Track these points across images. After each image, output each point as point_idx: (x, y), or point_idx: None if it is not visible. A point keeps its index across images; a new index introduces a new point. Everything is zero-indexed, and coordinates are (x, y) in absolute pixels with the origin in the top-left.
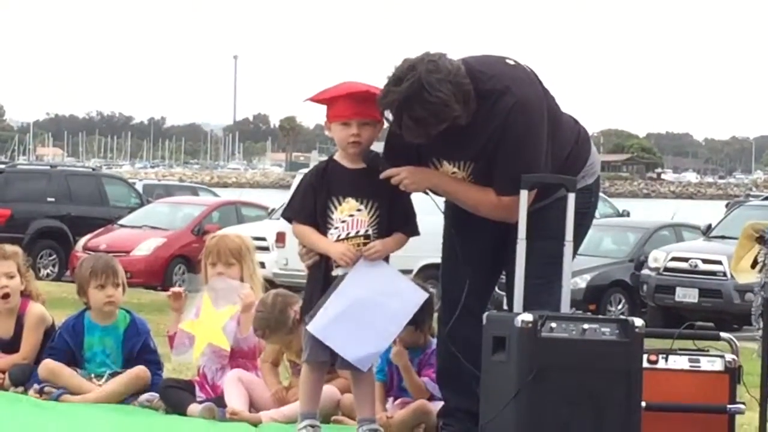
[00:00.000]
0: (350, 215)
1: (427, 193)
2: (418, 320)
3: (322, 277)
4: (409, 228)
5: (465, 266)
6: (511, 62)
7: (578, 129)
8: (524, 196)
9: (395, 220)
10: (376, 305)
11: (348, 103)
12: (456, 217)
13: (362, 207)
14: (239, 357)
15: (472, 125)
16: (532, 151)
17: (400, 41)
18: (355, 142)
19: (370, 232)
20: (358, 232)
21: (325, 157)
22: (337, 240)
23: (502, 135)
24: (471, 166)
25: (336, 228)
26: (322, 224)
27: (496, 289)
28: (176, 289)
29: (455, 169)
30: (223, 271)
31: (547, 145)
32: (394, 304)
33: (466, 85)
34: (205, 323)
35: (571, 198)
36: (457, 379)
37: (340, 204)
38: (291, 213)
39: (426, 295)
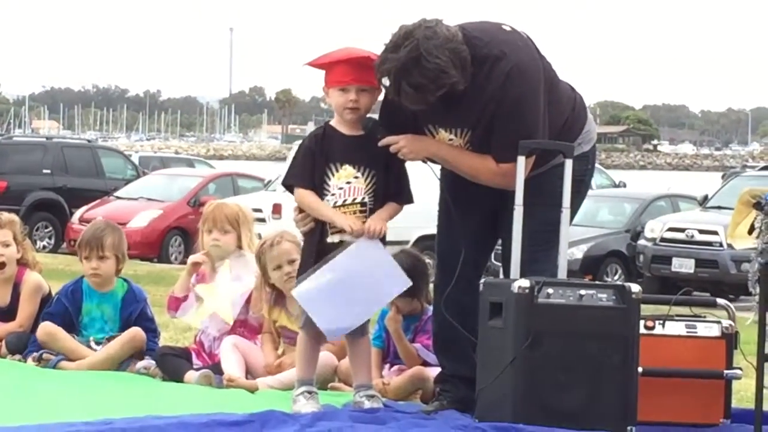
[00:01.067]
0: (347, 182)
1: (425, 162)
2: (415, 288)
3: (316, 243)
4: (404, 197)
5: (461, 234)
6: (508, 28)
7: (574, 96)
8: (521, 162)
9: (390, 188)
10: (361, 285)
11: (347, 68)
12: (452, 186)
13: (359, 174)
14: (240, 327)
15: (469, 91)
16: (530, 116)
17: (397, 9)
18: (354, 108)
19: (366, 199)
20: (354, 199)
21: None
22: (333, 206)
23: (500, 101)
24: (468, 134)
25: (333, 195)
26: (318, 191)
27: (492, 260)
28: (197, 259)
29: (452, 137)
30: (219, 238)
31: (544, 111)
32: (377, 288)
33: (463, 51)
34: (217, 291)
35: (569, 164)
36: (453, 345)
37: (337, 170)
38: (292, 179)
39: (409, 284)
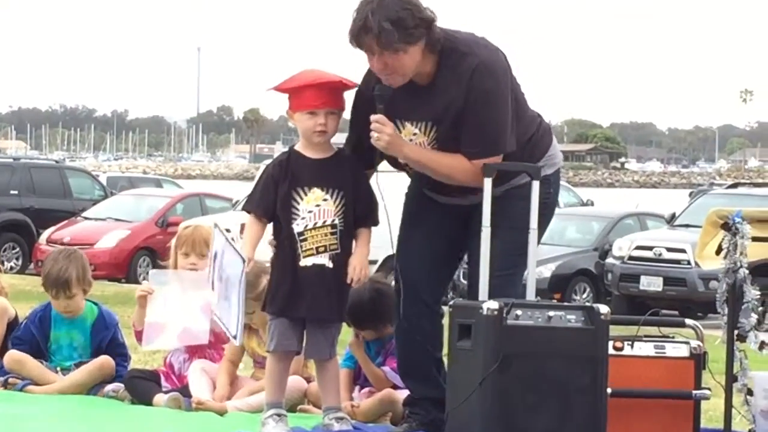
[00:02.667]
0: (317, 205)
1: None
2: (379, 318)
3: (290, 268)
4: (372, 219)
5: (421, 256)
6: (479, 36)
7: (540, 119)
8: (488, 184)
9: (359, 209)
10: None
11: (315, 92)
12: (412, 207)
13: (328, 197)
14: (206, 348)
15: (435, 83)
16: (499, 113)
17: None
18: (322, 131)
19: (336, 221)
20: (325, 221)
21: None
22: (304, 230)
23: (467, 95)
24: (433, 130)
25: (303, 218)
26: (286, 215)
27: (460, 278)
28: (144, 289)
29: (416, 131)
30: (196, 262)
31: (512, 114)
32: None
33: (434, 17)
34: (176, 310)
35: (536, 186)
36: (418, 368)
37: (305, 194)
38: (249, 206)
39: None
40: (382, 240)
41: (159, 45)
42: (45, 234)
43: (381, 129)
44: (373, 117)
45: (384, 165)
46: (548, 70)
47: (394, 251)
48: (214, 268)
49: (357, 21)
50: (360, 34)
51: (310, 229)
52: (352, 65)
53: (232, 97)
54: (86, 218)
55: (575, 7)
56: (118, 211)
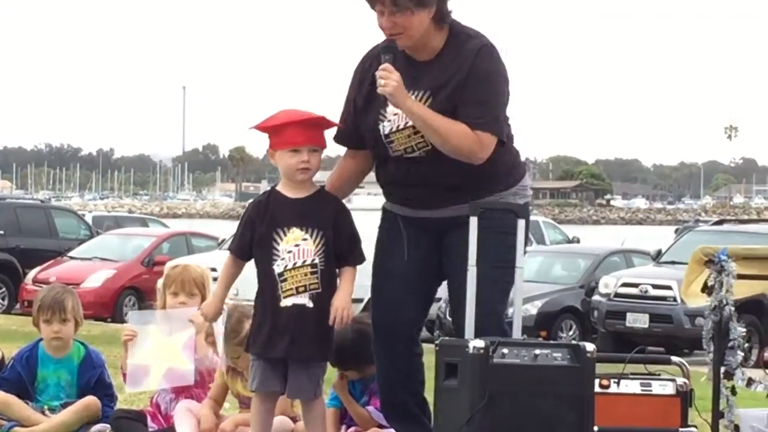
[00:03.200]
0: (296, 245)
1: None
2: (363, 359)
3: (271, 308)
4: (357, 257)
5: (393, 294)
6: None
7: (517, 150)
8: (474, 223)
9: (341, 247)
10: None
11: (298, 129)
12: (384, 238)
13: (307, 236)
14: (192, 387)
15: (440, 58)
16: (501, 93)
17: (347, 69)
18: (305, 168)
19: (317, 260)
20: (305, 261)
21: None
22: (284, 270)
23: (470, 71)
24: (429, 101)
25: (282, 259)
26: (266, 256)
27: (447, 316)
28: (128, 333)
29: (412, 96)
30: (186, 302)
31: (506, 103)
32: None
33: None
34: (159, 351)
35: (521, 224)
36: (400, 407)
37: (285, 234)
38: (230, 245)
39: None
40: (368, 278)
41: (144, 84)
42: (31, 274)
43: (388, 76)
44: (381, 66)
45: (362, 202)
46: (533, 106)
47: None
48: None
49: None
50: None
51: (290, 269)
52: (335, 104)
53: (217, 135)
54: (72, 258)
55: (559, 44)
56: (104, 250)
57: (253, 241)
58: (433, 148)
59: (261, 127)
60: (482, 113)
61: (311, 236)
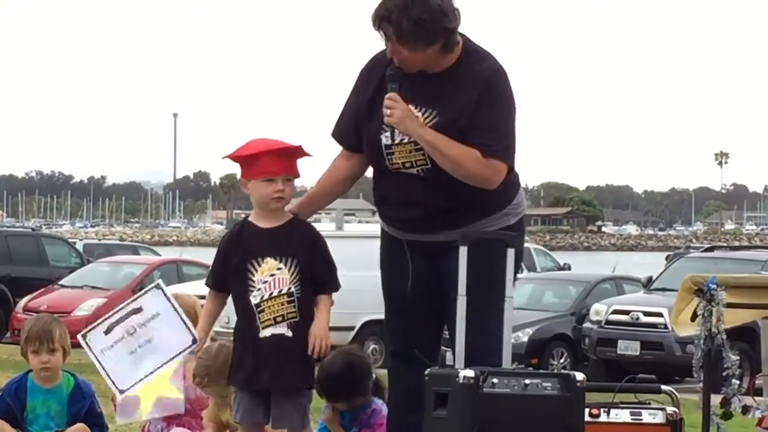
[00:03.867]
0: (271, 275)
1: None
2: (354, 390)
3: (251, 340)
4: (332, 284)
5: (407, 322)
6: None
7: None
8: (463, 252)
9: (317, 274)
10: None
11: (273, 159)
12: (391, 273)
13: (282, 265)
14: (183, 415)
15: (450, 75)
16: (511, 118)
17: (336, 95)
18: (280, 197)
19: (293, 289)
20: (281, 291)
21: None
22: (261, 301)
23: (485, 90)
24: (435, 119)
25: (258, 290)
26: (242, 288)
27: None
28: None
29: (418, 114)
30: None
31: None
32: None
33: (459, 17)
34: (149, 381)
35: (511, 254)
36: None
37: (259, 265)
38: (206, 281)
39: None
40: (360, 305)
41: (135, 111)
42: (22, 302)
43: (393, 105)
44: (387, 96)
45: (355, 229)
46: (524, 133)
47: (370, 318)
48: (128, 318)
49: (382, 9)
50: (382, 22)
51: (266, 300)
52: (321, 132)
53: (208, 162)
54: (63, 286)
55: (550, 70)
56: (94, 278)
57: (228, 274)
58: (433, 168)
59: (234, 157)
60: (495, 140)
61: (285, 265)
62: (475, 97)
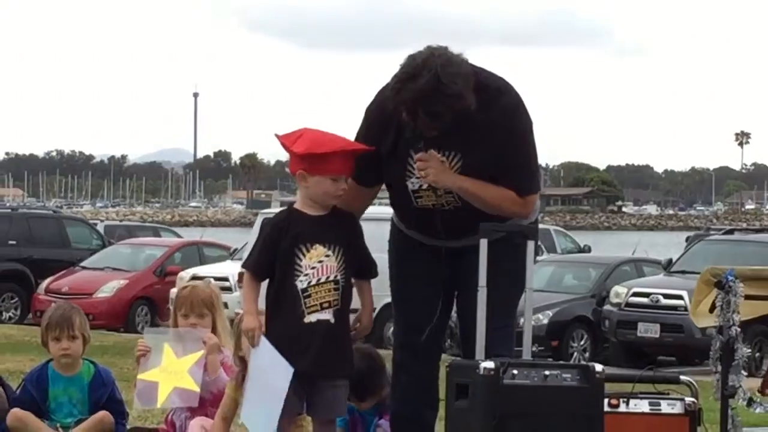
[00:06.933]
0: (319, 261)
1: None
2: (371, 387)
3: (293, 324)
4: (373, 272)
5: (418, 309)
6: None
7: None
8: (483, 244)
9: (361, 262)
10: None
11: (344, 159)
12: (400, 260)
13: (330, 253)
14: (208, 405)
15: (469, 116)
16: (535, 151)
17: (363, 73)
18: (341, 195)
19: (339, 277)
20: (328, 277)
21: (288, 195)
22: (308, 286)
23: (511, 131)
24: (460, 162)
25: (306, 275)
26: (288, 272)
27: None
28: (141, 348)
29: (443, 159)
30: (196, 323)
31: None
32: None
33: (472, 75)
34: (169, 370)
35: (531, 246)
36: (414, 421)
37: (308, 251)
38: (248, 264)
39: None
40: (379, 288)
41: (156, 91)
42: (43, 284)
43: (426, 165)
44: (417, 157)
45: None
46: (545, 113)
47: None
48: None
49: (397, 93)
50: (397, 105)
51: (314, 285)
52: (346, 114)
53: (229, 142)
54: (84, 268)
55: (570, 50)
56: (116, 260)
57: (275, 259)
58: (463, 204)
59: (307, 153)
60: (527, 178)
61: (333, 253)
62: (500, 139)
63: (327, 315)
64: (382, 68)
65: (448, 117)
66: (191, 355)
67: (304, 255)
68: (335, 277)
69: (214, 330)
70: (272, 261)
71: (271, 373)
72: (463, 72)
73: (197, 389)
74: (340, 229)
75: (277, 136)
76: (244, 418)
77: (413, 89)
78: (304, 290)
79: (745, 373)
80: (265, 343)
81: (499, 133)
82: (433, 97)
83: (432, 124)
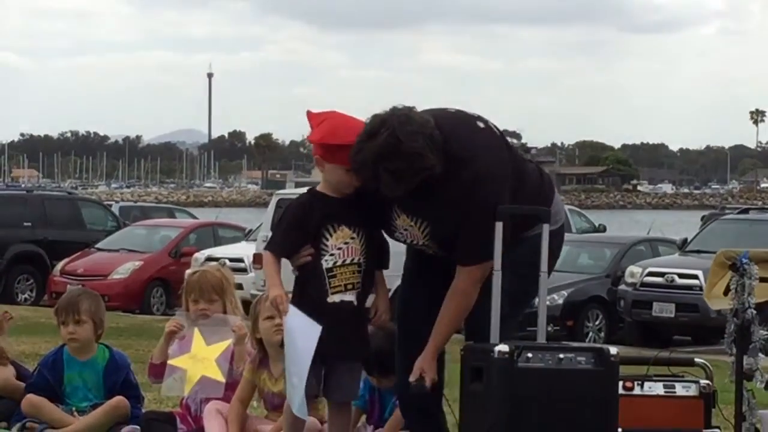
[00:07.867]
0: (345, 243)
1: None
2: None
3: (317, 303)
4: (385, 263)
5: (421, 297)
6: (481, 125)
7: (542, 180)
8: (499, 227)
9: (376, 251)
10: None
11: None
12: (414, 252)
13: (355, 235)
14: (229, 390)
15: (436, 185)
16: (492, 223)
17: (376, 58)
18: (355, 186)
19: (361, 260)
20: (353, 259)
21: (303, 176)
22: (333, 266)
23: (466, 209)
24: (428, 229)
25: (332, 254)
26: (316, 250)
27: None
28: (176, 325)
29: (412, 223)
30: (207, 308)
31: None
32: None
33: (437, 136)
34: (197, 357)
35: (546, 228)
36: (422, 408)
37: (335, 231)
38: (272, 246)
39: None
40: (394, 268)
41: (170, 71)
42: (59, 266)
43: (428, 379)
44: (412, 380)
45: None
46: (559, 92)
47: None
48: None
49: (356, 154)
50: (358, 168)
51: (339, 266)
52: (364, 94)
53: (244, 122)
54: (99, 249)
55: (584, 28)
56: (131, 242)
57: (300, 239)
58: (439, 249)
59: (322, 143)
60: (478, 250)
61: (358, 236)
62: (461, 206)
63: (350, 297)
64: (399, 49)
65: (410, 176)
66: (220, 344)
67: (331, 235)
68: (359, 259)
69: (224, 313)
70: (296, 241)
71: (304, 334)
72: (424, 132)
73: (223, 380)
74: (363, 213)
75: (308, 113)
76: (288, 389)
77: (372, 147)
78: (330, 270)
79: (763, 356)
80: (293, 309)
81: (459, 206)
82: (391, 155)
83: (394, 182)
